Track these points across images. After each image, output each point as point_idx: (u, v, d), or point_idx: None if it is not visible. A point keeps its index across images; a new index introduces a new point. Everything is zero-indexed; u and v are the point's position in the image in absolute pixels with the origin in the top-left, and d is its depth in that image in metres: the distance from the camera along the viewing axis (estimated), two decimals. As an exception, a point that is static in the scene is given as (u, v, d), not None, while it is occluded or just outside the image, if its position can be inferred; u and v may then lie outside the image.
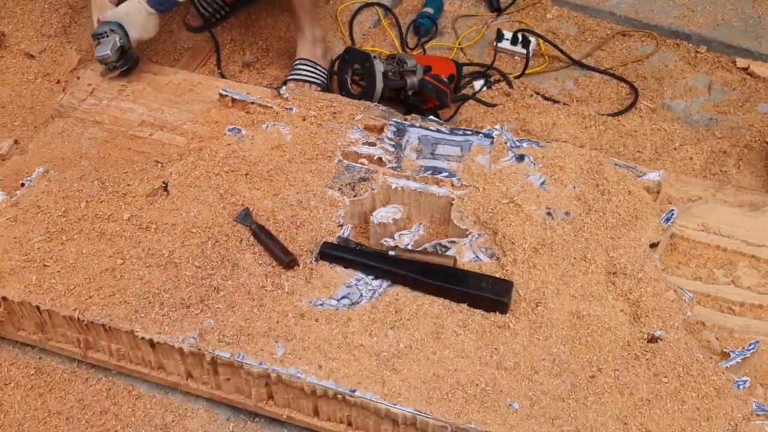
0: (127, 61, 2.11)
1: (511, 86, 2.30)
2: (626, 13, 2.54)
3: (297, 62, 2.25)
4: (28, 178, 1.78)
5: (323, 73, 2.26)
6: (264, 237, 1.61)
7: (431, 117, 1.94)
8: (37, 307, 1.53)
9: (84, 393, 1.59)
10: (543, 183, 1.75)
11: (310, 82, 2.22)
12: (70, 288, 1.54)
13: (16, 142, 2.14)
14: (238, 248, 1.61)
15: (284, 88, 2.01)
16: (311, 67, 2.24)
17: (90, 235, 1.64)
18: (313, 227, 1.66)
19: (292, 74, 2.23)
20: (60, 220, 1.67)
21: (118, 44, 2.06)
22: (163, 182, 1.75)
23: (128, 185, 1.75)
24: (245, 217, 1.66)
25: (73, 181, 1.76)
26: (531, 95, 2.27)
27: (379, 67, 2.04)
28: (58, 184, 1.75)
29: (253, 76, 2.38)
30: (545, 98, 2.27)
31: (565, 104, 2.24)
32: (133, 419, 1.54)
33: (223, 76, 2.33)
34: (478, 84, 2.32)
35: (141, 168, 1.85)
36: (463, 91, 2.30)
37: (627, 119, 2.20)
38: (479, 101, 2.26)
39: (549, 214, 1.68)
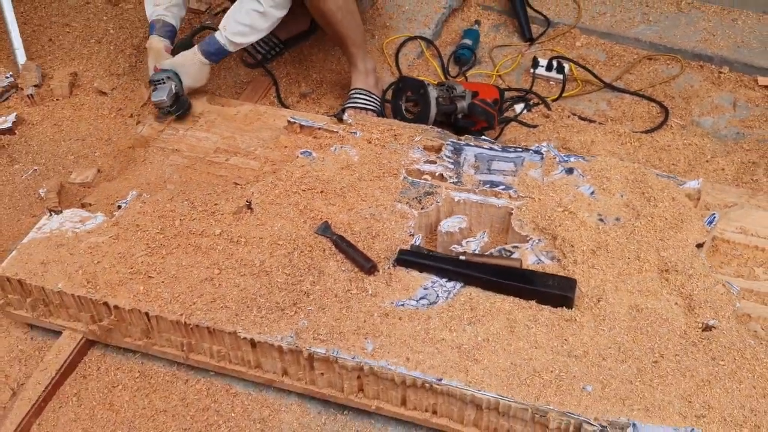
0: (181, 107, 2.29)
1: (549, 108, 2.48)
2: (651, 39, 2.73)
3: (353, 91, 2.45)
4: (124, 201, 1.96)
5: (377, 100, 2.45)
6: (345, 246, 1.78)
7: (483, 137, 2.12)
8: (146, 314, 1.70)
9: (186, 392, 1.74)
10: (593, 193, 1.91)
11: (367, 109, 2.40)
12: (175, 296, 1.70)
13: (99, 170, 2.32)
14: (322, 257, 1.78)
15: (346, 114, 2.20)
16: (366, 95, 2.43)
17: (187, 249, 1.81)
18: (388, 237, 1.82)
19: (349, 102, 2.42)
20: (158, 237, 1.84)
21: (174, 90, 2.24)
22: (247, 201, 1.93)
23: (215, 204, 1.92)
24: (325, 229, 1.83)
25: (165, 202, 1.94)
26: (568, 116, 2.45)
27: (433, 93, 2.22)
28: (152, 205, 1.92)
29: (310, 106, 2.57)
30: (582, 118, 2.45)
31: (600, 123, 2.42)
32: (233, 414, 1.70)
33: (284, 105, 2.52)
34: (519, 107, 2.50)
35: (223, 189, 2.03)
36: (505, 114, 2.48)
37: (660, 135, 2.37)
38: (521, 123, 2.44)
39: (601, 220, 1.84)
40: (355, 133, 2.13)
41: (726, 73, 2.61)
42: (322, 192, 1.94)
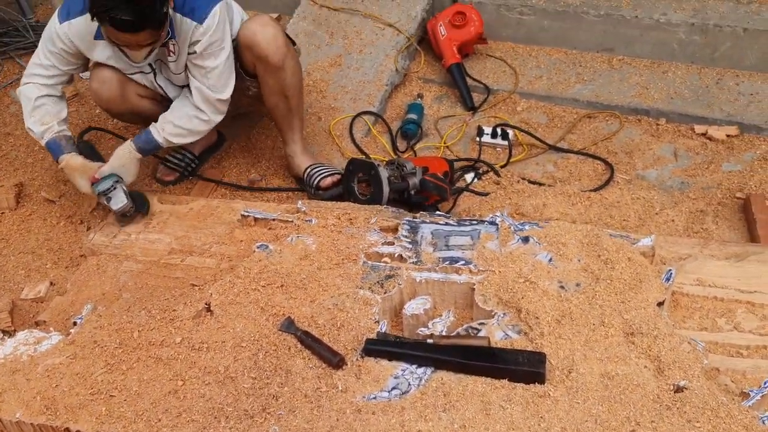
0: (143, 202, 2.28)
1: (498, 175, 2.52)
2: (587, 98, 2.83)
3: (312, 168, 2.46)
4: (79, 316, 1.90)
5: (333, 166, 2.49)
6: (310, 342, 1.75)
7: (438, 212, 2.14)
8: (110, 437, 1.63)
9: None
10: (551, 260, 1.93)
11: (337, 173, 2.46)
12: (139, 414, 1.64)
13: (51, 283, 2.26)
14: (288, 355, 1.74)
15: (300, 202, 2.20)
16: (323, 166, 2.46)
17: (147, 362, 1.76)
18: (353, 326, 1.80)
19: (320, 175, 2.44)
20: (117, 352, 1.78)
21: (127, 191, 2.23)
22: (206, 303, 1.89)
23: (173, 311, 1.88)
24: (289, 325, 1.80)
25: (122, 313, 1.89)
26: (518, 181, 2.49)
27: (384, 173, 2.24)
28: (109, 318, 1.87)
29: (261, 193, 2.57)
30: (531, 182, 2.49)
31: (550, 185, 2.47)
32: None
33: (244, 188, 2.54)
34: (469, 177, 2.54)
35: (181, 293, 1.99)
36: (457, 185, 2.51)
37: (608, 192, 2.43)
38: (473, 191, 2.48)
39: (562, 287, 1.86)
40: (310, 220, 2.13)
41: (663, 124, 2.71)
42: (282, 286, 1.92)
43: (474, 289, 1.88)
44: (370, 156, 2.64)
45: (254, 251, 2.04)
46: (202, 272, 2.10)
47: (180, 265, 2.14)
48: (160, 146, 2.27)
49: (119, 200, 2.18)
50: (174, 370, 1.73)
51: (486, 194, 2.46)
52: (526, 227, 2.05)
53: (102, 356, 1.78)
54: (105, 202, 2.20)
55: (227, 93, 2.23)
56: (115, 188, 2.19)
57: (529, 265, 1.91)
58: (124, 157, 2.25)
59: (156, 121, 2.28)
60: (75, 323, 1.90)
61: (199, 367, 1.74)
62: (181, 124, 2.21)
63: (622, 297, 1.80)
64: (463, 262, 1.95)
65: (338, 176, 2.43)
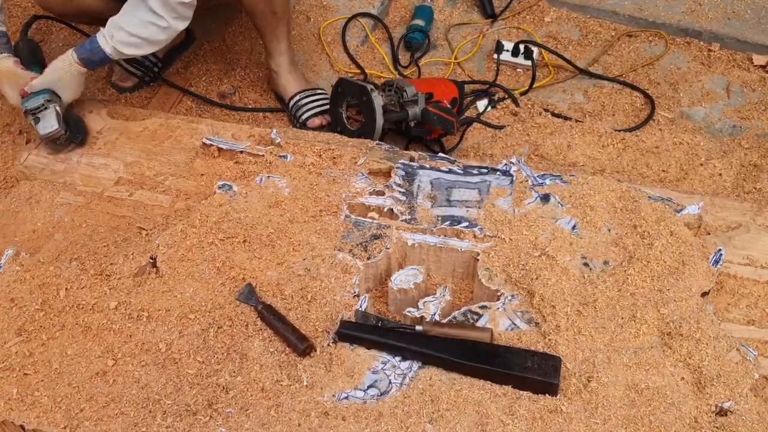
0: (78, 130, 1.87)
1: (517, 104, 2.12)
2: (629, 12, 2.37)
3: (301, 97, 2.05)
4: (-4, 264, 1.57)
5: (325, 94, 2.07)
6: (273, 319, 1.43)
7: (441, 155, 1.75)
8: (22, 427, 1.34)
9: None
10: (574, 227, 1.58)
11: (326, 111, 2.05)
12: (57, 401, 1.34)
13: (-24, 209, 1.91)
14: (245, 334, 1.42)
15: (275, 131, 1.81)
16: (312, 95, 2.05)
17: (74, 331, 1.44)
18: (327, 300, 1.47)
19: (307, 111, 2.04)
20: (38, 315, 1.46)
21: (61, 114, 1.81)
22: (151, 257, 1.55)
23: (111, 264, 1.55)
24: (249, 295, 1.47)
25: (49, 263, 1.55)
26: (540, 113, 2.09)
27: (378, 101, 1.84)
28: (32, 269, 1.54)
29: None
30: (555, 115, 2.09)
31: (577, 121, 2.07)
32: None
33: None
34: (482, 104, 2.13)
35: (123, 238, 1.65)
36: (466, 113, 2.11)
37: (646, 134, 2.04)
38: (486, 123, 2.08)
39: (586, 264, 1.52)
40: (284, 156, 1.75)
41: (716, 51, 2.27)
42: (245, 241, 1.57)
43: (477, 260, 1.54)
44: (365, 72, 2.21)
45: (215, 192, 1.68)
46: (152, 212, 1.74)
47: (127, 200, 1.78)
48: (109, 58, 1.81)
49: (48, 124, 1.78)
50: (105, 345, 1.42)
51: (501, 128, 2.07)
52: (547, 181, 1.68)
53: (18, 319, 1.46)
54: (31, 123, 1.80)
55: None
56: (46, 108, 1.78)
57: (548, 232, 1.56)
58: (63, 70, 1.81)
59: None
60: (-9, 272, 1.56)
61: (135, 342, 1.42)
62: (134, 31, 1.75)
63: (660, 284, 1.47)
64: (466, 223, 1.59)
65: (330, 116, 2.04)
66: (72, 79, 1.82)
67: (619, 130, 2.03)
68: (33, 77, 1.80)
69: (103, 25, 1.78)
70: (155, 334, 1.43)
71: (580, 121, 2.06)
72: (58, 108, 1.80)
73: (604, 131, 2.02)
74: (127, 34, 1.75)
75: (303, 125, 2.03)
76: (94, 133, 1.92)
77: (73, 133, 1.84)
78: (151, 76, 2.21)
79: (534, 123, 2.06)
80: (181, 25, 1.77)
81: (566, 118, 2.08)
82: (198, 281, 1.51)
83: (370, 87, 1.83)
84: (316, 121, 2.02)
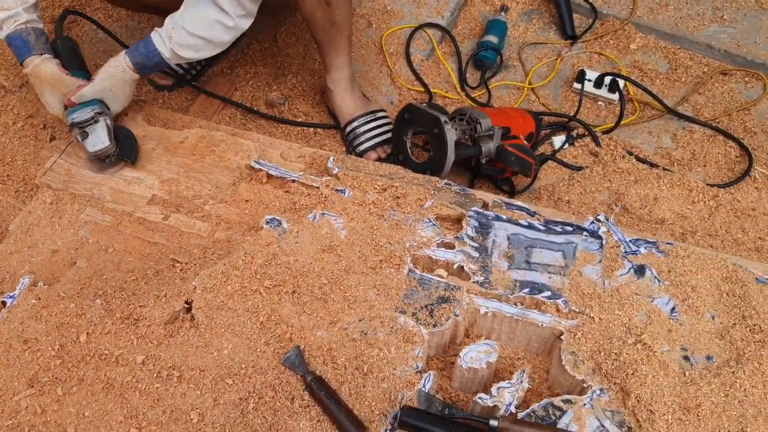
0: (131, 145, 1.64)
1: (598, 144, 1.89)
2: (726, 46, 2.12)
3: (359, 124, 1.83)
4: (11, 295, 1.37)
5: (386, 119, 1.86)
6: (323, 395, 1.23)
7: (519, 204, 1.54)
8: (26, 503, 1.15)
9: None
10: (673, 310, 1.37)
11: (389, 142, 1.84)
12: (69, 475, 1.15)
13: (-8, 214, 1.72)
14: (290, 410, 1.23)
15: (332, 159, 1.60)
16: (374, 120, 1.84)
17: (94, 387, 1.25)
18: (385, 375, 1.27)
19: (365, 143, 1.83)
20: (54, 363, 1.27)
21: (111, 128, 1.59)
22: (186, 302, 1.36)
23: (141, 306, 1.35)
24: (296, 360, 1.27)
25: (70, 298, 1.36)
26: (623, 156, 1.87)
27: (452, 136, 1.62)
28: (50, 305, 1.35)
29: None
30: (640, 160, 1.87)
31: (665, 169, 1.84)
32: None
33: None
34: (558, 140, 1.91)
35: (155, 271, 1.45)
36: (540, 149, 1.90)
37: (741, 192, 1.81)
38: (562, 163, 1.86)
39: (686, 358, 1.31)
40: (342, 191, 1.54)
41: (823, 99, 2.03)
42: (294, 292, 1.37)
43: (561, 340, 1.33)
44: (431, 92, 1.99)
45: (261, 227, 1.47)
46: (188, 241, 1.54)
47: (161, 224, 1.57)
48: (166, 62, 1.58)
49: (98, 140, 1.56)
50: (128, 408, 1.23)
51: (579, 169, 1.85)
52: (642, 248, 1.46)
53: (31, 366, 1.27)
54: (78, 138, 1.57)
55: None
56: (96, 121, 1.56)
57: (643, 314, 1.35)
58: (115, 77, 1.58)
59: (164, 17, 1.60)
60: (4, 304, 1.37)
61: (163, 407, 1.23)
62: (196, 31, 1.51)
63: (774, 392, 1.26)
64: (549, 293, 1.39)
65: (389, 149, 1.82)
66: (124, 88, 1.60)
67: (712, 185, 1.81)
68: (81, 85, 1.56)
69: (161, 20, 1.56)
70: (186, 400, 1.24)
71: (668, 170, 1.84)
72: (108, 122, 1.58)
73: (695, 185, 1.80)
74: (188, 34, 1.51)
75: (359, 156, 1.82)
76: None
77: (124, 150, 1.62)
78: (192, 75, 2.00)
79: (616, 167, 1.84)
80: (246, 24, 1.54)
81: (653, 165, 1.85)
82: (238, 336, 1.31)
83: (443, 119, 1.62)
84: (373, 155, 1.81)
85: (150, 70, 1.61)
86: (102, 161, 1.63)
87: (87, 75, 1.62)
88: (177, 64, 1.95)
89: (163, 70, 1.94)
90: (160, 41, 1.54)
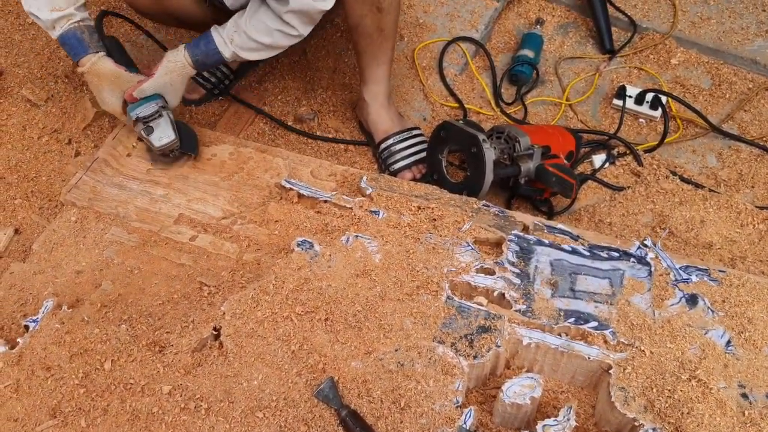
0: (192, 139, 1.63)
1: (640, 163, 1.81)
2: (771, 61, 2.04)
3: (393, 142, 1.77)
4: (33, 318, 1.32)
5: (421, 137, 1.80)
6: (359, 431, 1.16)
7: (561, 227, 1.47)
8: None
9: None
10: (728, 343, 1.29)
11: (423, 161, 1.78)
12: None
13: (16, 231, 1.67)
14: (324, 447, 1.16)
15: (365, 178, 1.54)
16: (407, 139, 1.77)
17: (118, 418, 1.19)
18: (423, 410, 1.21)
19: (399, 162, 1.77)
20: (77, 392, 1.22)
21: (173, 121, 1.59)
22: (215, 329, 1.30)
23: (167, 333, 1.30)
24: (330, 393, 1.21)
25: (94, 323, 1.31)
26: (667, 176, 1.79)
27: (490, 155, 1.56)
28: (74, 330, 1.29)
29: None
30: (685, 180, 1.79)
31: (711, 190, 1.76)
32: None
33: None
34: (598, 159, 1.84)
35: (182, 295, 1.40)
36: (579, 167, 1.82)
37: (793, 214, 1.72)
38: (603, 183, 1.79)
39: (744, 396, 1.23)
40: (376, 212, 1.48)
41: None
42: (326, 319, 1.31)
43: (609, 374, 1.25)
44: (465, 108, 1.93)
45: (293, 250, 1.42)
46: (216, 263, 1.48)
47: (188, 245, 1.52)
48: (224, 61, 1.56)
49: (165, 134, 1.55)
50: (154, 441, 1.17)
51: (621, 189, 1.77)
52: (693, 278, 1.38)
53: (54, 395, 1.22)
54: (143, 134, 1.56)
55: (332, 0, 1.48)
56: (160, 116, 1.55)
57: (697, 347, 1.27)
58: (175, 72, 1.56)
59: (200, 30, 1.60)
60: (27, 328, 1.32)
61: (191, 441, 1.17)
62: (258, 38, 1.50)
63: (841, 435, 1.17)
64: (595, 323, 1.31)
65: (424, 168, 1.76)
66: (183, 82, 1.59)
67: (762, 207, 1.72)
68: (141, 80, 1.56)
69: (196, 30, 1.53)
70: (215, 433, 1.18)
71: (714, 191, 1.75)
72: (171, 116, 1.57)
73: (744, 207, 1.71)
74: (249, 39, 1.50)
75: (392, 175, 1.76)
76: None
77: (186, 144, 1.61)
78: (221, 89, 1.95)
79: (660, 188, 1.76)
80: (308, 30, 1.52)
81: (698, 186, 1.77)
82: (269, 366, 1.25)
83: (482, 137, 1.55)
84: (408, 175, 1.75)
85: (207, 67, 1.60)
86: (166, 156, 1.62)
87: (137, 71, 1.60)
88: (204, 78, 1.91)
89: (193, 80, 1.89)
90: (222, 42, 1.53)
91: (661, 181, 1.78)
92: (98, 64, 1.55)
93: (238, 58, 1.56)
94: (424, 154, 1.76)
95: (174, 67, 1.55)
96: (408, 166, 1.75)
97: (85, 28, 1.54)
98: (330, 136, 1.89)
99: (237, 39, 1.52)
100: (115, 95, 1.57)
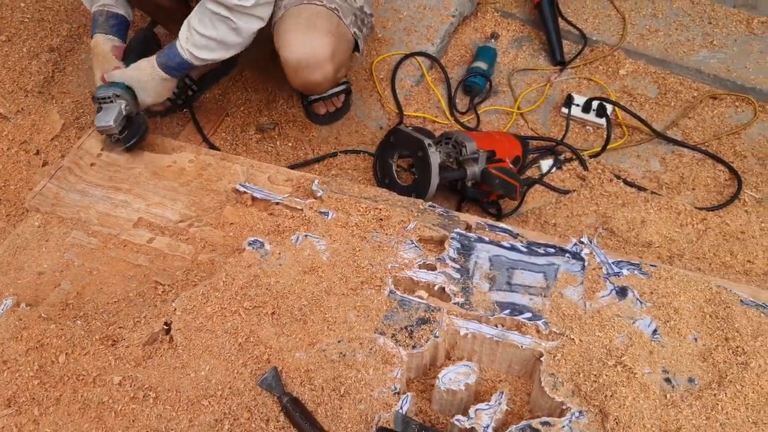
0: (133, 135, 1.73)
1: (586, 168, 1.90)
2: (715, 71, 2.13)
3: None
4: (-8, 315, 1.38)
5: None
6: (299, 417, 1.22)
7: (502, 226, 1.54)
8: None
9: None
10: (655, 332, 1.36)
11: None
12: (42, 497, 1.15)
13: (-18, 237, 1.74)
14: (265, 432, 1.22)
15: (317, 182, 1.61)
16: None
17: (70, 407, 1.25)
18: (362, 396, 1.27)
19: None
20: (32, 384, 1.27)
21: (124, 113, 1.70)
22: (165, 323, 1.36)
23: (120, 327, 1.36)
24: (273, 382, 1.27)
25: (51, 320, 1.37)
26: (611, 180, 1.87)
27: (436, 159, 1.63)
28: (31, 326, 1.35)
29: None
30: (628, 184, 1.87)
31: (653, 193, 1.84)
32: None
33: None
34: (546, 164, 1.92)
35: (137, 293, 1.46)
36: (527, 172, 1.90)
37: (730, 215, 1.81)
38: (549, 186, 1.87)
39: (668, 380, 1.29)
40: (325, 213, 1.55)
41: (813, 123, 2.03)
42: (273, 313, 1.37)
43: (541, 362, 1.32)
44: (403, 114, 2.01)
45: (244, 249, 1.48)
46: (171, 263, 1.55)
47: (145, 247, 1.59)
48: (187, 62, 1.66)
49: (105, 118, 1.66)
50: (104, 429, 1.22)
51: (566, 192, 1.85)
52: (624, 270, 1.46)
53: (10, 386, 1.27)
54: (96, 111, 1.70)
55: None
56: (112, 101, 1.67)
57: (624, 336, 1.34)
58: (144, 71, 1.69)
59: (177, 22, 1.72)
60: (-14, 324, 1.38)
61: (138, 428, 1.23)
62: (205, 32, 1.60)
63: (756, 415, 1.24)
64: (529, 314, 1.38)
65: (340, 102, 1.97)
66: (153, 83, 1.70)
67: (701, 209, 1.80)
68: (117, 67, 1.70)
69: (176, 25, 1.68)
70: (161, 421, 1.23)
71: (656, 194, 1.83)
72: (123, 107, 1.68)
73: (683, 208, 1.79)
74: (199, 35, 1.61)
75: (308, 107, 1.98)
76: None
77: (127, 137, 1.72)
78: (183, 99, 2.03)
79: (604, 191, 1.84)
80: (253, 25, 1.62)
81: (641, 189, 1.85)
82: (216, 358, 1.31)
83: (427, 142, 1.63)
84: (322, 109, 1.96)
85: (175, 70, 1.69)
86: (109, 138, 1.73)
87: None
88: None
89: None
90: (179, 44, 1.64)
91: (605, 184, 1.86)
92: (97, 43, 1.74)
93: (195, 60, 1.65)
94: (341, 92, 1.93)
95: (144, 66, 1.68)
96: (323, 99, 1.89)
97: (105, 11, 1.75)
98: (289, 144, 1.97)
99: (190, 37, 1.63)
100: (98, 73, 1.73)
